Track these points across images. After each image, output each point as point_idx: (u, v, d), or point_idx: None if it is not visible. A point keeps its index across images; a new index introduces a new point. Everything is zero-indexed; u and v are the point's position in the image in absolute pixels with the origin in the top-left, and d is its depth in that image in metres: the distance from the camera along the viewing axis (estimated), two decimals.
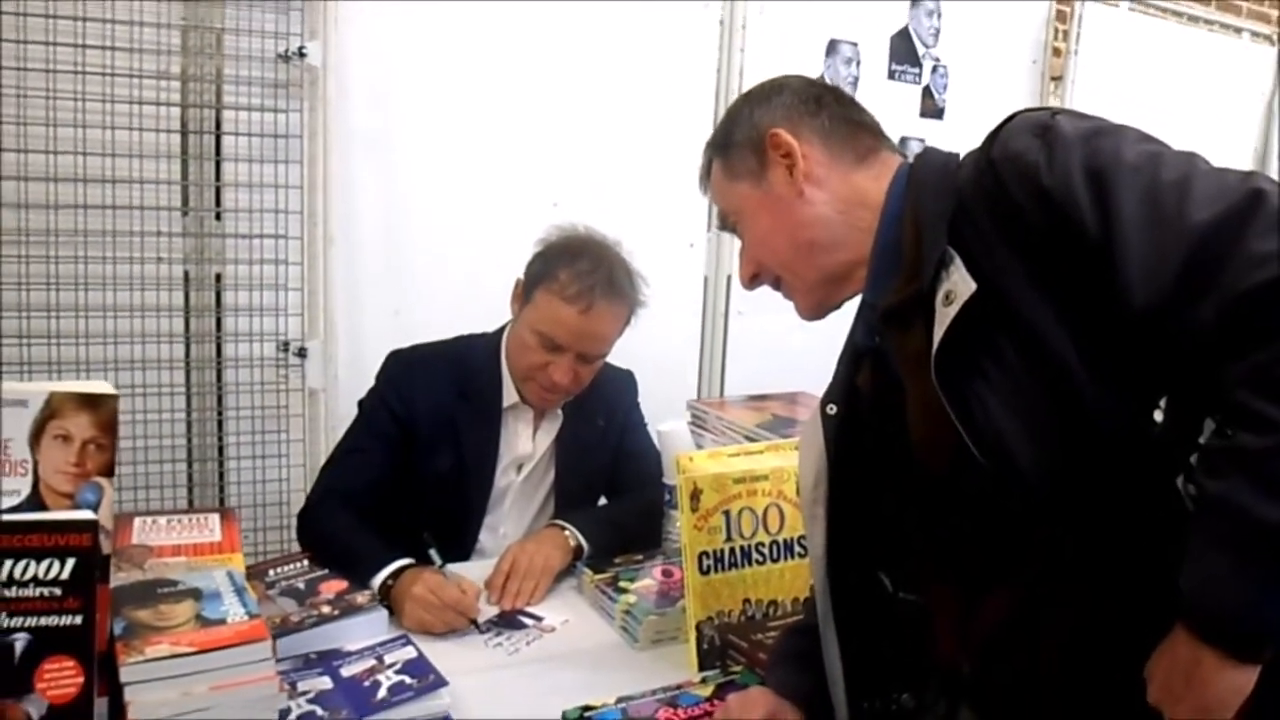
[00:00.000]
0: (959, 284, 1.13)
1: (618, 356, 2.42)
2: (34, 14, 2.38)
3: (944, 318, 1.14)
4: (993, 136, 1.17)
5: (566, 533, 2.02)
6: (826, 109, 1.36)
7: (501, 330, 2.23)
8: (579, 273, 2.04)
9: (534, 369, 2.10)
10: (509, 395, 2.18)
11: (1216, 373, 1.00)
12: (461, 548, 2.15)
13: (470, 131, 2.94)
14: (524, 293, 2.13)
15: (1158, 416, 1.14)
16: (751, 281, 1.44)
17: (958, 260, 1.14)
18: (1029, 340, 1.11)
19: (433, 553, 1.92)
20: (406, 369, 2.19)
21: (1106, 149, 1.08)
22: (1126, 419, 1.10)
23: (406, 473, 2.13)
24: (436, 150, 2.89)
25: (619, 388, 2.35)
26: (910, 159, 1.33)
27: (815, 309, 1.39)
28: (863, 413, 1.37)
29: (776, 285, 1.41)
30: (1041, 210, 1.09)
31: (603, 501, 2.32)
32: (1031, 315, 1.10)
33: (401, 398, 2.14)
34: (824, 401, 1.40)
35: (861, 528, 1.39)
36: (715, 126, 1.45)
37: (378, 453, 2.12)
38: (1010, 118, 1.18)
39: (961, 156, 1.24)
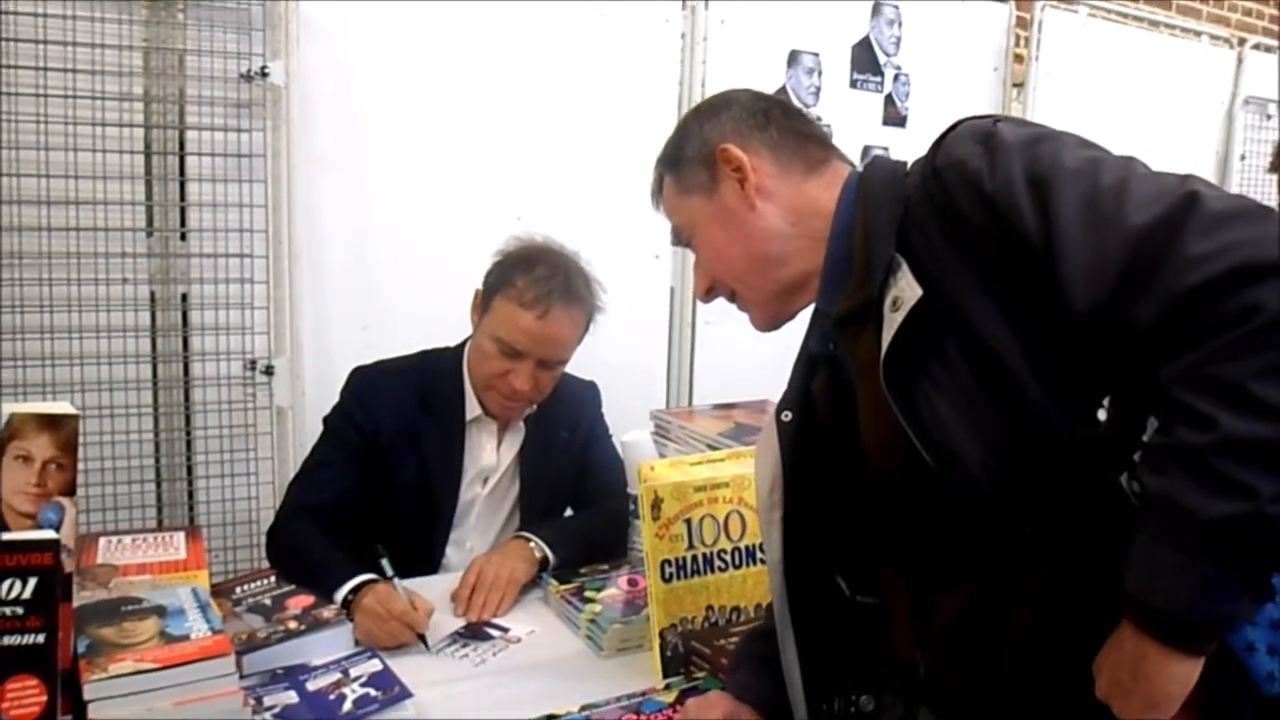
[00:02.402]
0: (905, 289, 1.15)
1: (586, 368, 2.44)
2: None
3: (891, 323, 1.16)
4: (937, 144, 1.20)
5: (532, 544, 2.04)
6: (774, 122, 1.37)
7: (463, 344, 2.25)
8: (536, 279, 2.07)
9: (494, 377, 2.11)
10: (472, 408, 2.20)
11: (1156, 371, 1.02)
12: (428, 562, 2.17)
13: (434, 147, 2.96)
14: (483, 302, 2.16)
15: (1101, 416, 1.17)
16: (707, 295, 1.45)
17: (905, 266, 1.16)
18: (974, 344, 1.13)
19: (384, 563, 1.91)
20: (369, 384, 2.21)
21: (1047, 155, 1.10)
22: (1070, 419, 1.12)
23: (372, 487, 2.14)
24: (400, 166, 2.90)
25: (582, 399, 2.37)
26: (859, 168, 1.35)
27: (770, 320, 1.41)
28: (817, 419, 1.39)
29: (732, 298, 1.43)
30: (985, 216, 1.11)
31: (569, 513, 2.33)
32: (977, 319, 1.12)
33: (365, 412, 2.16)
34: (779, 409, 1.42)
35: (818, 532, 1.40)
36: (665, 143, 1.47)
37: (343, 467, 2.14)
38: (953, 126, 1.21)
39: (909, 165, 1.26)
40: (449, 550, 2.21)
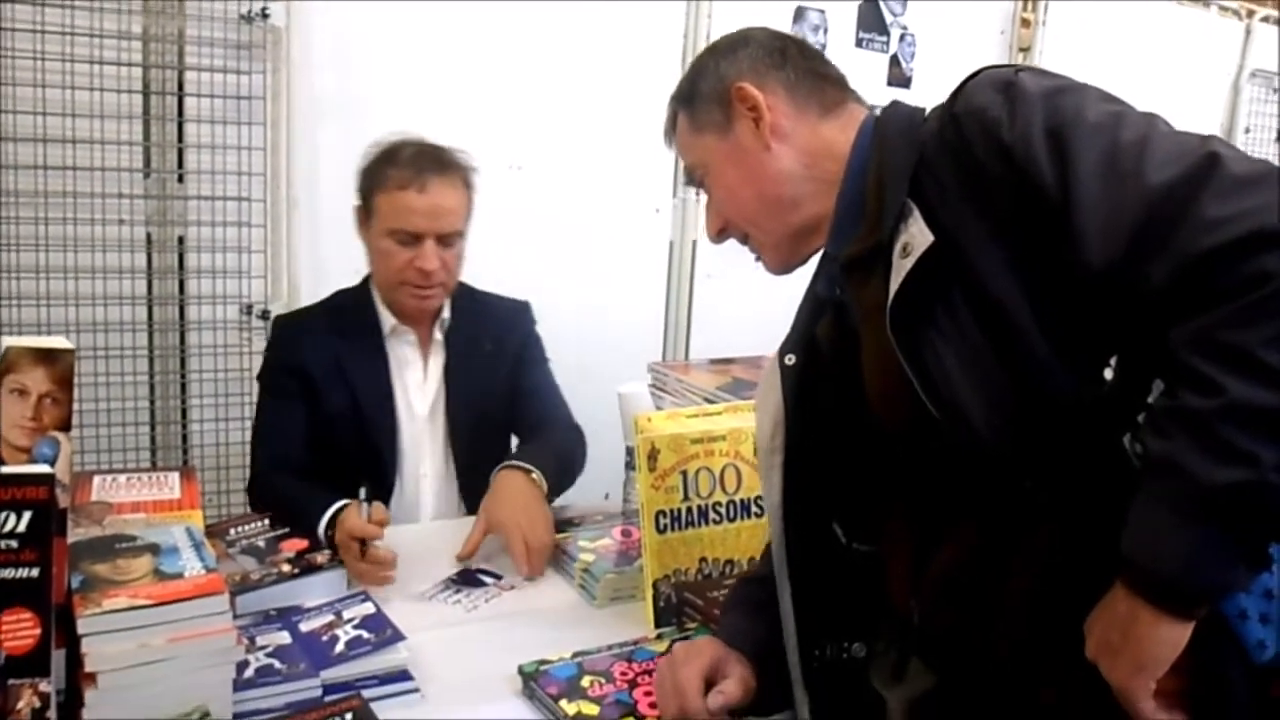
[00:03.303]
0: (916, 236, 1.14)
1: (585, 317, 2.44)
2: None
3: (900, 269, 1.15)
4: (957, 91, 1.18)
5: (534, 475, 2.02)
6: (791, 61, 1.35)
7: (367, 278, 2.26)
8: (403, 162, 2.10)
9: (401, 270, 2.11)
10: (386, 320, 2.21)
11: (1166, 333, 1.01)
12: (383, 487, 2.17)
13: (432, 95, 2.93)
14: (364, 213, 2.17)
15: (1108, 375, 1.16)
16: (719, 235, 1.43)
17: (916, 212, 1.15)
18: (982, 294, 1.12)
19: (361, 491, 1.89)
20: (289, 328, 2.26)
21: (1068, 107, 1.09)
22: (1076, 378, 1.11)
23: (317, 423, 2.16)
24: (399, 113, 2.85)
25: (507, 316, 2.37)
26: (876, 112, 1.33)
27: (783, 263, 1.39)
28: (821, 364, 1.38)
29: (744, 240, 1.41)
30: (1001, 165, 1.10)
31: (513, 440, 2.35)
32: (986, 269, 1.11)
33: (290, 354, 2.19)
34: (782, 352, 1.41)
35: (818, 478, 1.39)
36: (680, 79, 1.44)
37: (292, 415, 2.15)
38: (975, 73, 1.19)
39: (927, 111, 1.25)
40: (407, 475, 2.22)
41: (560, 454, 2.18)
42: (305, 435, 2.14)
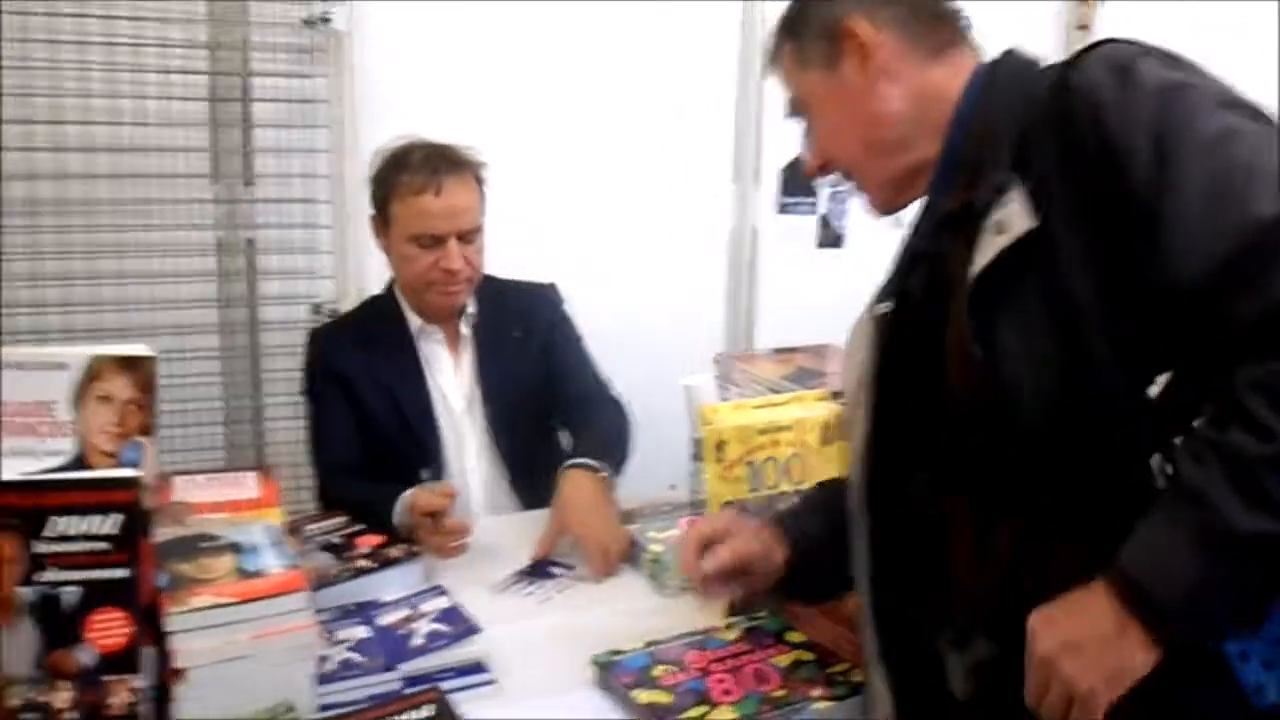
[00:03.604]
0: (1015, 217, 1.12)
1: (645, 310, 2.44)
2: None
3: (992, 246, 1.13)
4: (1076, 59, 1.15)
5: (603, 474, 2.04)
6: None
7: (391, 283, 2.30)
8: (415, 166, 2.12)
9: (426, 272, 2.14)
10: (414, 321, 2.25)
11: (1232, 367, 0.99)
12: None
13: (492, 90, 2.96)
14: (381, 222, 2.20)
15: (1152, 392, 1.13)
16: (819, 172, 1.41)
17: (1018, 190, 1.12)
18: (1061, 289, 1.10)
19: (424, 474, 2.03)
20: (324, 339, 2.31)
21: (1180, 110, 1.05)
22: (1125, 385, 1.10)
23: (363, 426, 2.20)
24: (461, 110, 2.89)
25: (533, 300, 2.39)
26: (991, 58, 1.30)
27: (884, 206, 1.37)
28: (913, 315, 1.33)
29: (847, 177, 1.38)
30: (1100, 155, 1.07)
31: (553, 424, 2.38)
32: (1070, 265, 1.09)
33: (328, 362, 2.23)
34: (875, 300, 1.37)
35: (904, 428, 1.35)
36: (787, 8, 1.40)
37: (343, 418, 2.20)
38: (1097, 44, 1.15)
39: (1042, 67, 1.22)
40: (450, 475, 2.23)
41: (614, 438, 2.21)
42: (359, 436, 2.19)
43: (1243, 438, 0.97)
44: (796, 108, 1.40)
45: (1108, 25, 3.86)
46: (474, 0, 2.90)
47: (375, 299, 2.35)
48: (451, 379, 2.27)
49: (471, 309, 2.27)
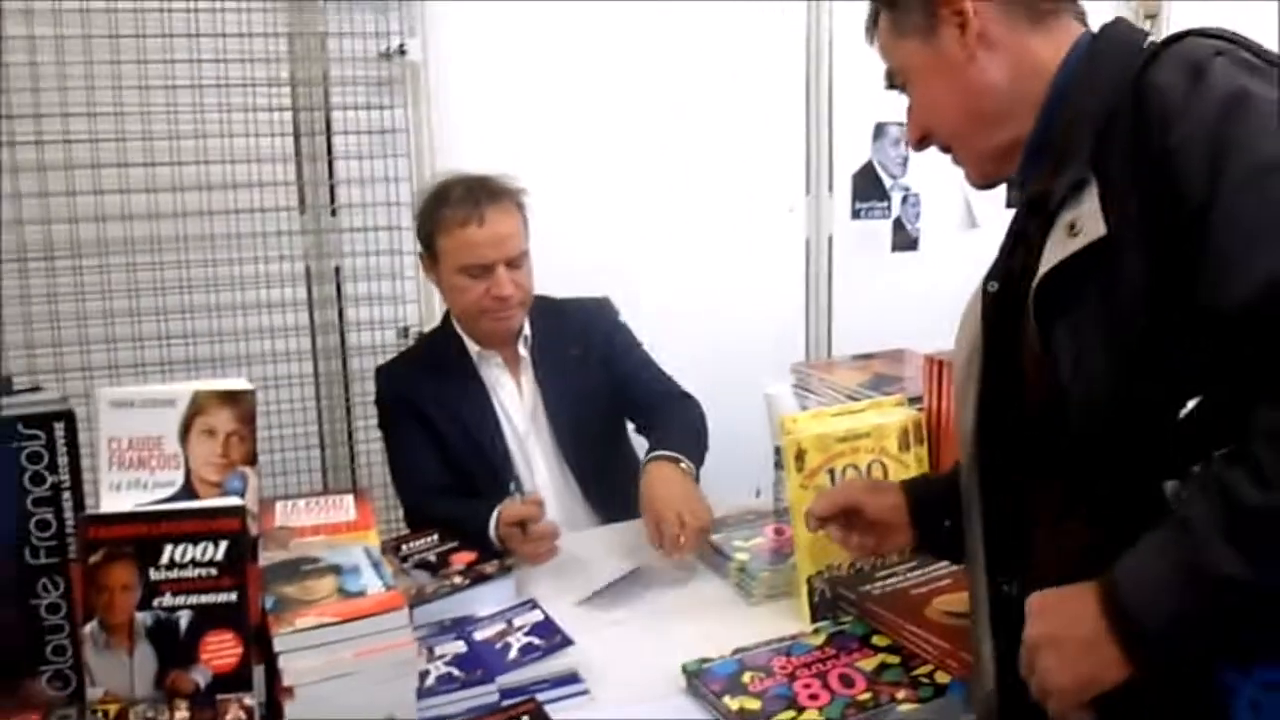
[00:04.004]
0: (1087, 219, 1.11)
1: (725, 321, 2.44)
2: (151, 35, 2.53)
3: (1063, 246, 1.13)
4: (1158, 51, 1.13)
5: (683, 465, 2.07)
6: None
7: (446, 313, 2.36)
8: (456, 200, 2.17)
9: (478, 301, 2.19)
10: (473, 349, 2.30)
11: (1255, 405, 0.98)
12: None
13: (567, 111, 3.01)
14: (429, 257, 2.25)
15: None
16: (919, 144, 1.38)
17: (1094, 190, 1.12)
18: (1119, 300, 1.10)
19: (511, 485, 2.08)
20: (393, 373, 2.38)
21: (1242, 125, 1.02)
22: (1164, 402, 1.09)
23: (439, 452, 2.26)
24: (537, 134, 2.96)
25: (585, 315, 2.43)
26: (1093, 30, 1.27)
27: (984, 178, 1.36)
28: (1012, 296, 1.29)
29: (946, 150, 1.36)
30: (1162, 159, 1.06)
31: (631, 428, 2.44)
32: (1131, 279, 1.08)
33: (399, 395, 2.30)
34: (986, 279, 1.36)
35: (1012, 407, 1.32)
36: None
37: (422, 444, 2.26)
38: (1180, 36, 1.14)
39: (1146, 43, 1.18)
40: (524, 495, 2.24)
41: (691, 430, 2.25)
42: (440, 467, 2.25)
43: (1244, 483, 0.97)
44: (894, 79, 1.37)
45: (1175, 17, 3.82)
46: (544, 26, 2.95)
47: (434, 331, 2.43)
48: (515, 400, 2.32)
49: (527, 331, 2.32)
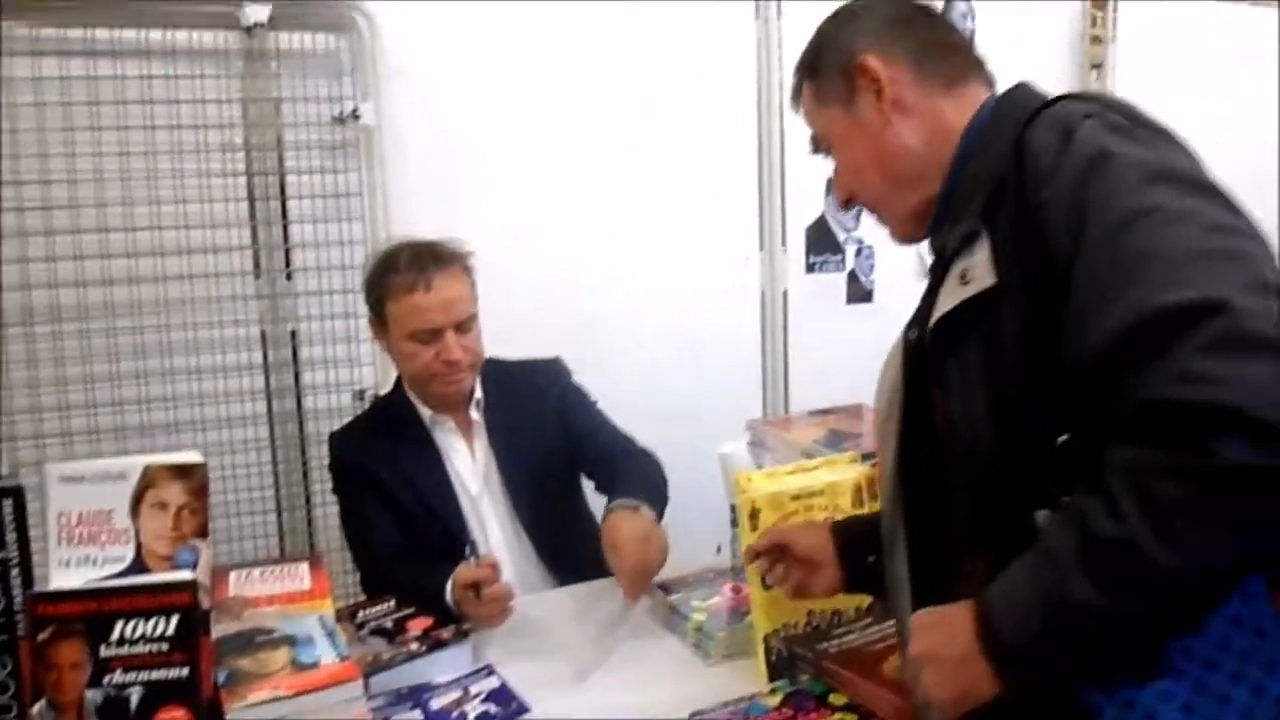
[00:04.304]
0: (979, 270, 1.18)
1: (681, 373, 2.44)
2: (106, 101, 2.54)
3: (954, 293, 1.21)
4: (1035, 116, 1.20)
5: (642, 510, 2.05)
6: (916, 29, 1.35)
7: (398, 378, 2.36)
8: (404, 266, 2.18)
9: (428, 365, 2.19)
10: (425, 414, 2.30)
11: (1113, 442, 1.02)
12: None
13: (521, 170, 3.04)
14: (377, 324, 2.27)
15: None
16: (845, 205, 1.46)
17: (985, 242, 1.19)
18: (1000, 345, 1.17)
19: (468, 548, 2.06)
20: (344, 440, 2.37)
21: (1103, 184, 1.08)
22: (1039, 440, 1.14)
23: (394, 518, 2.25)
24: (492, 193, 2.98)
25: (537, 376, 2.43)
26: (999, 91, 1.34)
27: (906, 236, 1.42)
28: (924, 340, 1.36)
29: (871, 210, 1.44)
30: (1035, 217, 1.13)
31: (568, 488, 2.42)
32: (1011, 327, 1.16)
33: (353, 462, 2.30)
34: (907, 327, 1.40)
35: (930, 449, 1.35)
36: (805, 47, 1.44)
37: (376, 510, 2.25)
38: (1058, 99, 1.21)
39: (1040, 104, 1.24)
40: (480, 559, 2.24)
41: (651, 482, 2.24)
42: (392, 526, 2.24)
43: (1098, 515, 1.01)
44: (819, 145, 1.45)
45: (1120, 63, 3.91)
46: (497, 88, 2.98)
47: (387, 396, 2.43)
48: (468, 464, 2.32)
49: (479, 394, 2.32)
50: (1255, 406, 0.92)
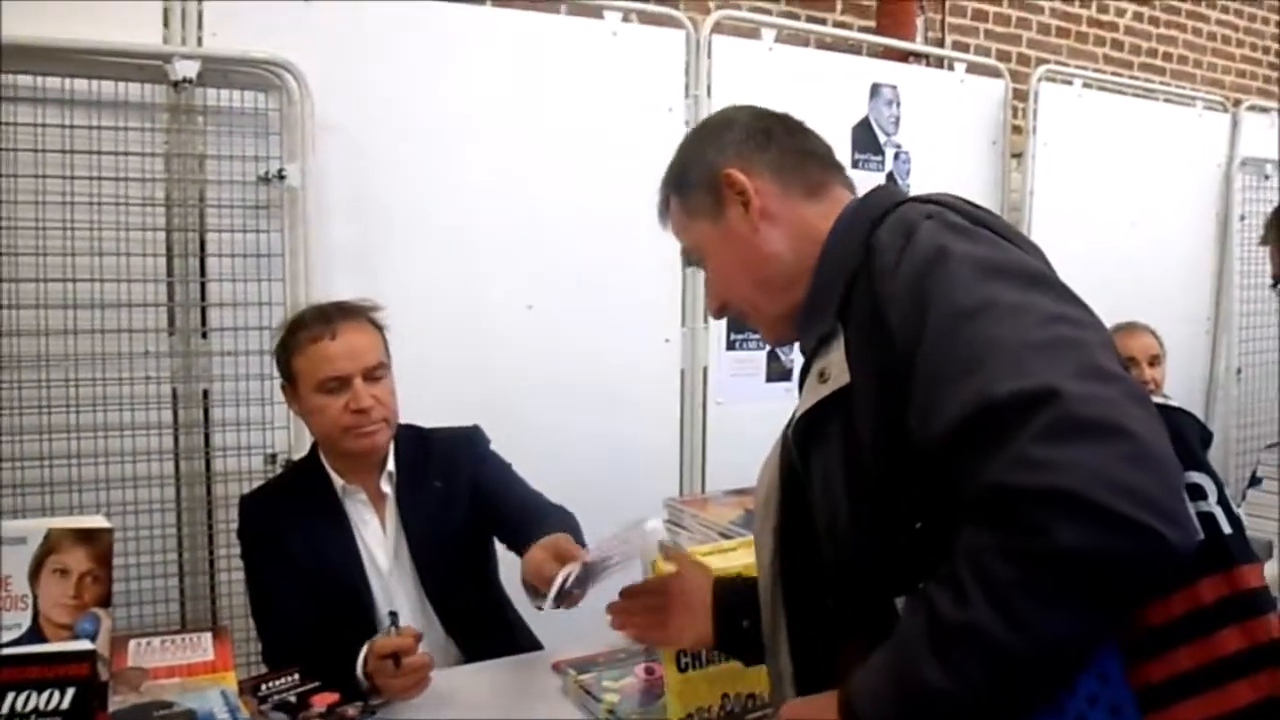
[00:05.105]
0: (835, 368, 1.22)
1: (601, 450, 2.43)
2: (24, 148, 2.49)
3: (815, 391, 1.24)
4: (884, 216, 1.25)
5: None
6: (776, 140, 1.40)
7: (314, 445, 2.33)
8: (309, 321, 2.18)
9: (339, 418, 2.15)
10: (338, 483, 2.26)
11: (960, 527, 1.05)
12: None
13: (446, 239, 3.04)
14: (289, 384, 2.23)
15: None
16: (719, 312, 1.49)
17: (841, 340, 1.23)
18: (856, 438, 1.20)
19: (387, 617, 1.99)
20: (256, 505, 2.31)
21: (940, 281, 1.12)
22: (892, 525, 1.17)
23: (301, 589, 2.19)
24: (415, 260, 2.97)
25: (453, 445, 2.39)
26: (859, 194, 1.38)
27: (778, 339, 1.46)
28: None
29: (744, 317, 1.46)
30: (880, 306, 1.17)
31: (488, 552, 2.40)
32: (863, 420, 1.19)
33: (262, 528, 2.25)
34: (787, 425, 1.41)
35: (809, 547, 1.37)
36: (669, 164, 1.49)
37: (286, 580, 2.19)
38: (900, 203, 1.26)
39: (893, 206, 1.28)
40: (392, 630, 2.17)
41: (567, 529, 2.14)
42: (301, 609, 2.17)
43: (945, 600, 1.03)
44: (690, 257, 1.48)
45: (1040, 153, 4.03)
46: (427, 156, 2.98)
47: (300, 462, 2.37)
48: (379, 537, 2.27)
49: (391, 466, 2.28)
50: (1089, 490, 0.95)
